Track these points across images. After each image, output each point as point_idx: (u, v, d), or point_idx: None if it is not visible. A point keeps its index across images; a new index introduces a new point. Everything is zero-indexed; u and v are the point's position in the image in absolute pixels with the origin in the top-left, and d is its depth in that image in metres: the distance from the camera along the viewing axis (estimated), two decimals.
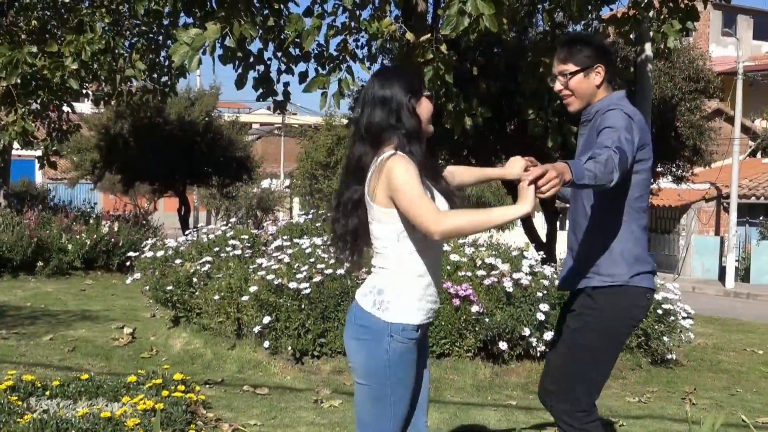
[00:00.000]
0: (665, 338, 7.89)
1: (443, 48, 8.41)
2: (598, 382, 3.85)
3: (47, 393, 5.43)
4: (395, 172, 3.15)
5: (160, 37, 14.59)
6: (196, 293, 7.88)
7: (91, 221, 14.73)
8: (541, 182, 3.06)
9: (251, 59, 9.12)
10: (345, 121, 14.06)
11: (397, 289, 3.25)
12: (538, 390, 4.03)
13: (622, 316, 3.79)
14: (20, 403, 5.13)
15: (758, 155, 34.47)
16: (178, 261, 8.32)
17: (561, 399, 3.82)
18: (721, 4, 8.99)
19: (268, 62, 9.46)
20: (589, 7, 9.18)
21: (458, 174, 3.74)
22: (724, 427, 5.70)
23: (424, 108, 3.34)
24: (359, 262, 3.50)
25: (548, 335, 7.00)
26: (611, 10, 9.74)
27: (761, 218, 29.88)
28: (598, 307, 3.77)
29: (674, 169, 24.36)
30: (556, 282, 7.13)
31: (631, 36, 9.18)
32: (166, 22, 9.22)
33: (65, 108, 16.01)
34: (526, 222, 14.06)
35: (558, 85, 3.87)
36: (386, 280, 3.27)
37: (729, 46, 39.60)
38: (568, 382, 3.81)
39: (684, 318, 8.14)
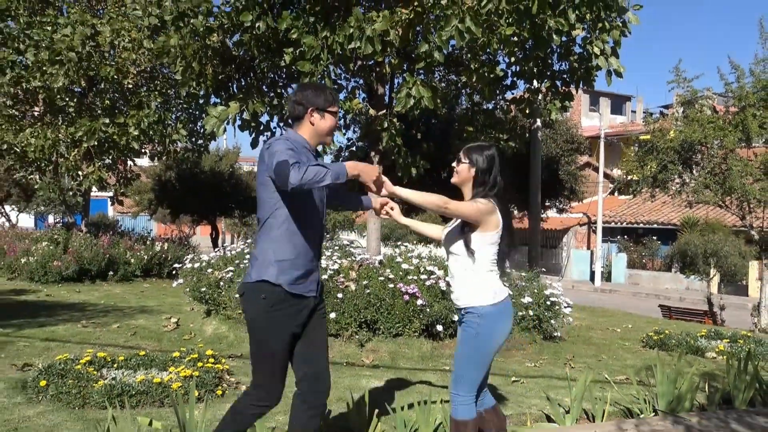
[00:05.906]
0: (552, 321, 7.94)
1: (395, 120, 8.47)
2: None
3: (115, 365, 5.34)
4: None
5: (197, 112, 14.54)
6: (223, 293, 7.81)
7: (148, 242, 14.56)
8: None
9: (261, 127, 9.11)
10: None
11: None
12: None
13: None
14: (95, 372, 5.04)
15: (615, 194, 34.98)
16: (209, 270, 8.26)
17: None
18: (588, 89, 9.08)
19: (274, 130, 9.44)
20: (497, 92, 9.27)
21: None
22: (593, 382, 5.76)
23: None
24: None
25: None
26: (512, 94, 9.83)
27: (618, 237, 30.30)
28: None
29: (557, 204, 24.67)
30: None
31: (527, 111, 9.26)
32: (201, 101, 9.17)
33: (129, 162, 15.88)
34: None
35: None
36: None
37: (594, 118, 40.23)
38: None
39: (566, 307, 8.18)
